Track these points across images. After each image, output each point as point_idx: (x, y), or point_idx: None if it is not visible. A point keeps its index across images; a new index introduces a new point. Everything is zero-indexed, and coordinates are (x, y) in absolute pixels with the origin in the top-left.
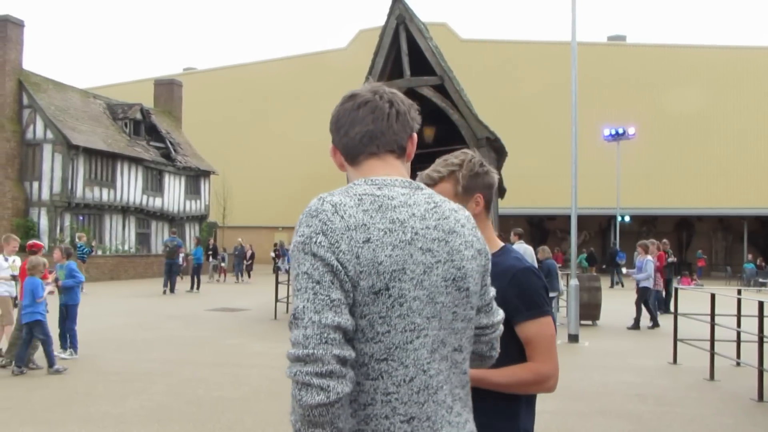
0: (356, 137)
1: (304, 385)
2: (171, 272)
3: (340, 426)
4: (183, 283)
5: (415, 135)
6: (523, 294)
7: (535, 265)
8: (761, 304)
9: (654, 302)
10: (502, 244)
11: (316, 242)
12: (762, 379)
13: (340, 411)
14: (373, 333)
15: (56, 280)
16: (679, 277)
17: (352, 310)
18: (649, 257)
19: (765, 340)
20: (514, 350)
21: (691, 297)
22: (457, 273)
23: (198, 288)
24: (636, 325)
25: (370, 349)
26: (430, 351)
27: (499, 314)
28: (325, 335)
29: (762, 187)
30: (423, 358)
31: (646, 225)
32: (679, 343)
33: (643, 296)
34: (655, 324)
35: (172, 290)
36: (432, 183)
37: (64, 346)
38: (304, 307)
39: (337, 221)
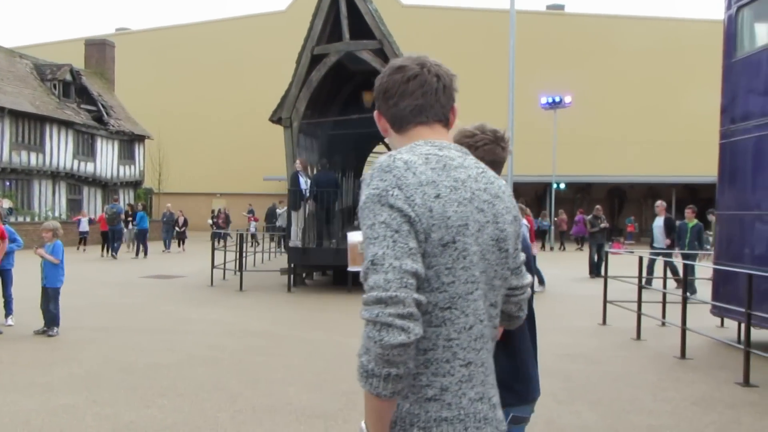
0: (406, 109)
1: (385, 326)
2: (113, 238)
3: (411, 366)
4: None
5: (456, 106)
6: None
7: None
8: (686, 267)
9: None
10: None
11: (393, 195)
12: (685, 338)
13: (413, 352)
14: (438, 283)
15: None
16: (610, 243)
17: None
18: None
19: (688, 301)
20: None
21: (622, 261)
22: (500, 234)
23: (145, 254)
24: None
25: (434, 298)
26: (484, 303)
27: (527, 278)
28: (405, 280)
29: (690, 157)
30: (480, 309)
31: (581, 192)
32: (608, 305)
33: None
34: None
35: (114, 256)
36: None
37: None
38: (384, 253)
39: (410, 177)
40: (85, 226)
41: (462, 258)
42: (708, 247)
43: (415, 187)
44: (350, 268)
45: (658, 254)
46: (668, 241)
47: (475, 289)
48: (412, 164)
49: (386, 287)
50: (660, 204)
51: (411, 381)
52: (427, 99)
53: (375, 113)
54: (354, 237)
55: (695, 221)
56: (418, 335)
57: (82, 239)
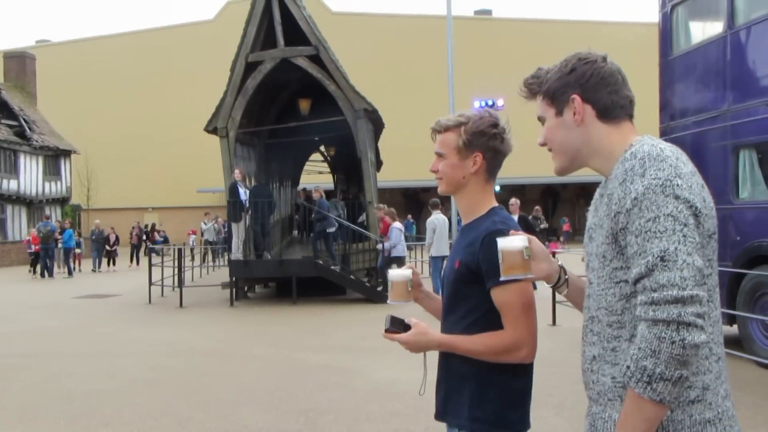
0: (626, 99)
1: (688, 326)
2: (46, 257)
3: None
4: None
5: None
6: (492, 258)
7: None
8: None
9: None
10: (490, 207)
11: (677, 185)
12: None
13: None
14: (701, 275)
15: None
16: (547, 243)
17: None
18: (397, 223)
19: None
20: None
21: (564, 260)
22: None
23: (70, 273)
24: None
25: None
26: None
27: None
28: (699, 277)
29: None
30: (719, 301)
31: (515, 194)
32: (557, 305)
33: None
34: None
35: (50, 275)
36: (440, 130)
37: None
38: (676, 248)
39: (682, 166)
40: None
41: (716, 249)
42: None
43: (689, 177)
44: (505, 277)
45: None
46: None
47: (718, 281)
48: (677, 153)
49: (683, 285)
50: (514, 202)
51: None
52: (632, 93)
53: (575, 96)
54: (512, 242)
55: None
56: (712, 333)
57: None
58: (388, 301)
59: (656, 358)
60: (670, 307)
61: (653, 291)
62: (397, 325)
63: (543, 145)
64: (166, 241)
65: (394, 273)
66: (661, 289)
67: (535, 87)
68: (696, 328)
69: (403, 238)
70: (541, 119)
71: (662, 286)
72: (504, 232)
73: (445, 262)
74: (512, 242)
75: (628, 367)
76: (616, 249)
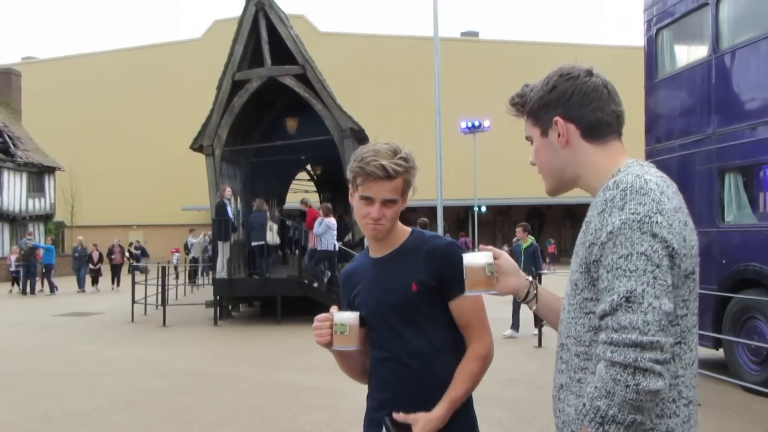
0: (612, 116)
1: (645, 371)
2: (28, 274)
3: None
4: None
5: None
6: (455, 268)
7: None
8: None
9: None
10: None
11: (656, 222)
12: None
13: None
14: (672, 316)
15: None
16: None
17: None
18: (330, 220)
19: None
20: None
21: (548, 282)
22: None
23: (51, 290)
24: None
25: None
26: None
27: None
28: (664, 322)
29: None
30: (695, 342)
31: (501, 215)
32: (543, 327)
33: None
34: None
35: (32, 292)
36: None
37: None
38: (643, 290)
39: (665, 202)
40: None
41: (695, 289)
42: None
43: (672, 214)
44: (468, 293)
45: None
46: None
47: (696, 321)
48: (663, 187)
49: (644, 330)
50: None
51: None
52: (622, 109)
53: (557, 119)
54: (475, 258)
55: (530, 241)
56: (670, 380)
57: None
58: (464, 292)
59: (610, 399)
60: (628, 351)
61: (614, 331)
62: (400, 429)
63: (534, 164)
64: (143, 254)
65: (475, 257)
66: (622, 331)
67: (519, 106)
68: (653, 374)
69: (332, 233)
70: (529, 139)
71: (623, 327)
72: (456, 244)
73: None
74: (475, 258)
75: (584, 404)
76: (587, 279)
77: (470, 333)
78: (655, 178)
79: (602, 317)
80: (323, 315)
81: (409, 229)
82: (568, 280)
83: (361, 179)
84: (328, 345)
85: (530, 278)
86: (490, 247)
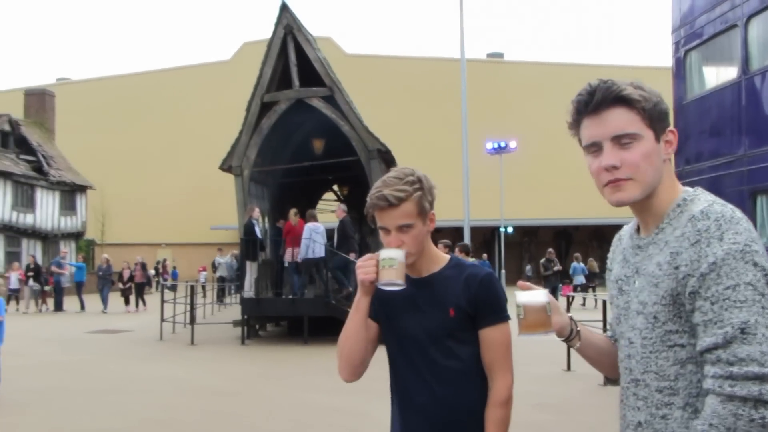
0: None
1: (766, 404)
2: (58, 292)
3: None
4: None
5: None
6: (491, 297)
7: None
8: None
9: None
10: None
11: (755, 251)
12: None
13: None
14: None
15: None
16: (560, 285)
17: None
18: (317, 225)
19: None
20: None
21: (576, 303)
22: None
23: (82, 307)
24: None
25: None
26: None
27: None
28: None
29: None
30: None
31: (528, 236)
32: (572, 350)
33: None
34: None
35: (61, 308)
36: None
37: None
38: (756, 321)
39: (752, 229)
40: (15, 283)
41: None
42: None
43: (759, 241)
44: (524, 335)
45: None
46: None
47: None
48: (742, 214)
49: (762, 361)
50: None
51: None
52: None
53: (671, 131)
54: (536, 297)
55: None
56: None
57: (12, 296)
58: (518, 335)
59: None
60: (749, 384)
61: (730, 365)
62: None
63: (614, 168)
64: (157, 273)
65: (533, 295)
66: (740, 364)
67: (637, 96)
68: None
69: (320, 240)
70: (618, 138)
71: (741, 360)
72: (494, 274)
73: None
74: (536, 297)
75: None
76: (673, 311)
77: (494, 368)
78: (732, 206)
79: (709, 351)
80: (368, 254)
81: (447, 256)
82: (633, 312)
83: (372, 212)
84: (373, 283)
85: (570, 315)
86: (528, 283)
